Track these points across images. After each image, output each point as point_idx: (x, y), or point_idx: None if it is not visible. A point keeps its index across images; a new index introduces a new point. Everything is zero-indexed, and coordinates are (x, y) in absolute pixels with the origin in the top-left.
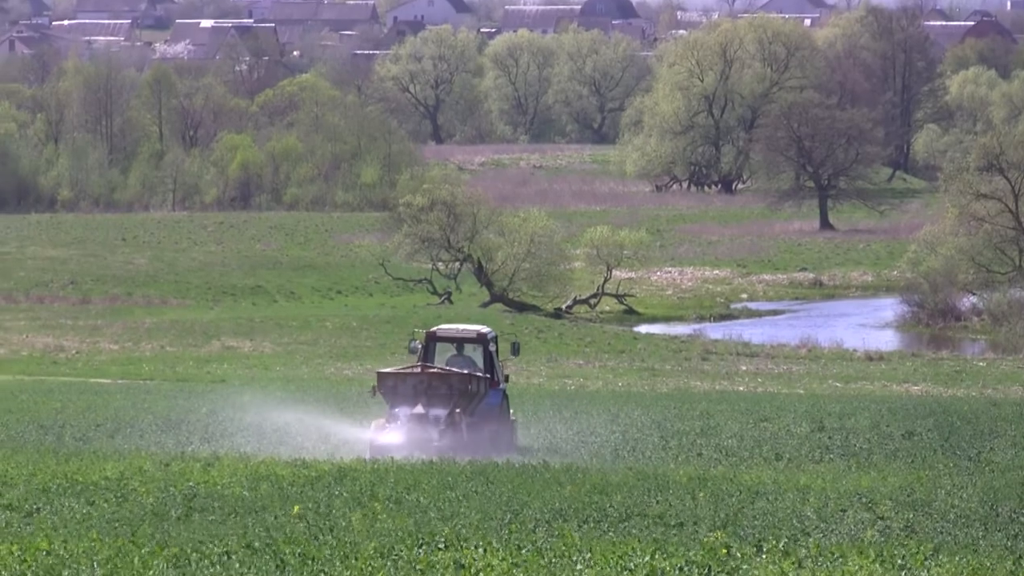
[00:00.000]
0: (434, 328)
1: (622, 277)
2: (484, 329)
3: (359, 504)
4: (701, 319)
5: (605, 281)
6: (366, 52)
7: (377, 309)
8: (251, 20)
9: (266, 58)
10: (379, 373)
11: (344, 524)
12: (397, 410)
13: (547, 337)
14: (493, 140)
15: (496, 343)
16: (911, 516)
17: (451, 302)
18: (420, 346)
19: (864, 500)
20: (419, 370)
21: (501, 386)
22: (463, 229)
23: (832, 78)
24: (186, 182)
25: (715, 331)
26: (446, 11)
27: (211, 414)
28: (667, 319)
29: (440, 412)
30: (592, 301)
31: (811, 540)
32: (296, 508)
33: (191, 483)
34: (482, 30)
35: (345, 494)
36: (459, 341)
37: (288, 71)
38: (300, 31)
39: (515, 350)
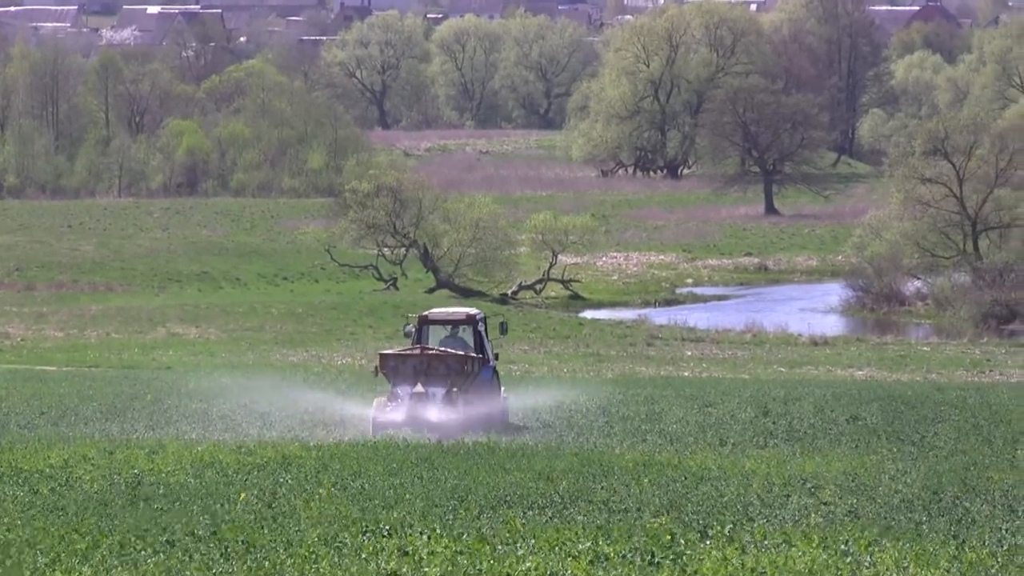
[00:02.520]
0: (426, 312)
1: (568, 262)
2: (473, 311)
3: (304, 491)
4: (646, 304)
5: (551, 266)
6: (313, 38)
7: (323, 295)
8: (198, 6)
9: (213, 44)
10: (381, 355)
11: (288, 511)
12: (398, 389)
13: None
14: (439, 126)
15: (485, 323)
16: (855, 501)
17: (397, 288)
18: (414, 329)
19: (808, 485)
20: (418, 351)
21: (491, 364)
22: (409, 215)
23: (778, 63)
24: (132, 168)
25: (660, 316)
26: None
27: (156, 401)
28: (613, 304)
29: (439, 390)
30: (538, 286)
31: (755, 525)
32: (243, 495)
33: (136, 470)
34: (429, 15)
35: (290, 481)
36: (451, 323)
37: (235, 57)
38: (247, 17)
39: (503, 329)
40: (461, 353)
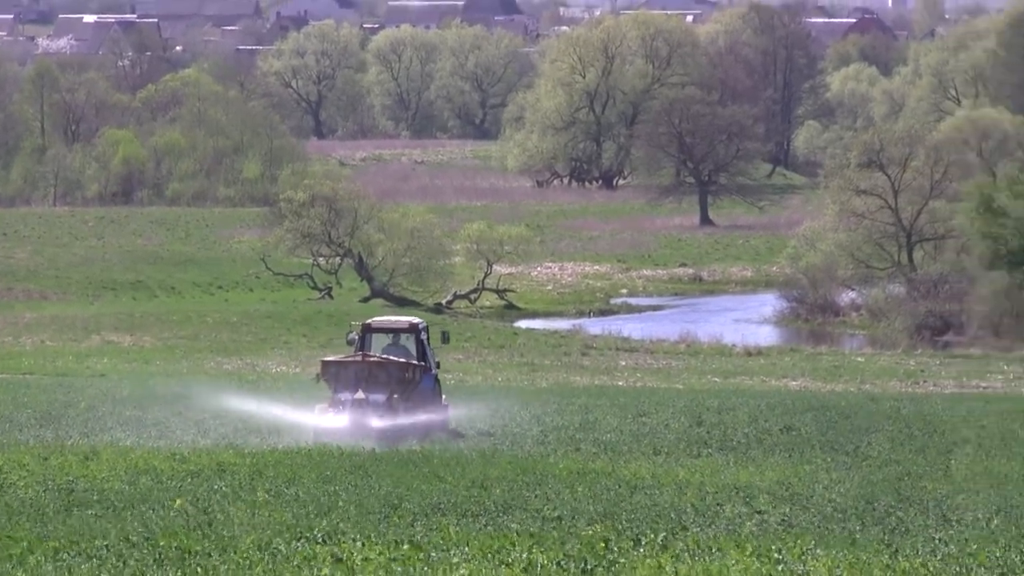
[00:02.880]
0: (369, 320)
1: (502, 272)
2: (416, 320)
3: (238, 498)
4: (581, 314)
5: (485, 276)
6: (249, 47)
7: (258, 304)
8: (134, 15)
9: (149, 53)
10: (323, 361)
11: (223, 518)
12: (340, 395)
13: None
14: (375, 135)
15: (428, 332)
16: (789, 510)
17: (331, 297)
18: (357, 337)
19: (742, 494)
20: (359, 358)
21: (433, 372)
22: (344, 224)
23: (714, 74)
24: (68, 177)
25: (595, 326)
26: (329, 7)
27: (90, 408)
28: (547, 314)
29: (380, 397)
30: (472, 296)
31: (689, 534)
32: (178, 501)
33: (70, 477)
34: (365, 26)
35: (224, 488)
36: (394, 331)
37: (171, 66)
38: (183, 26)
39: (445, 339)
40: (402, 360)
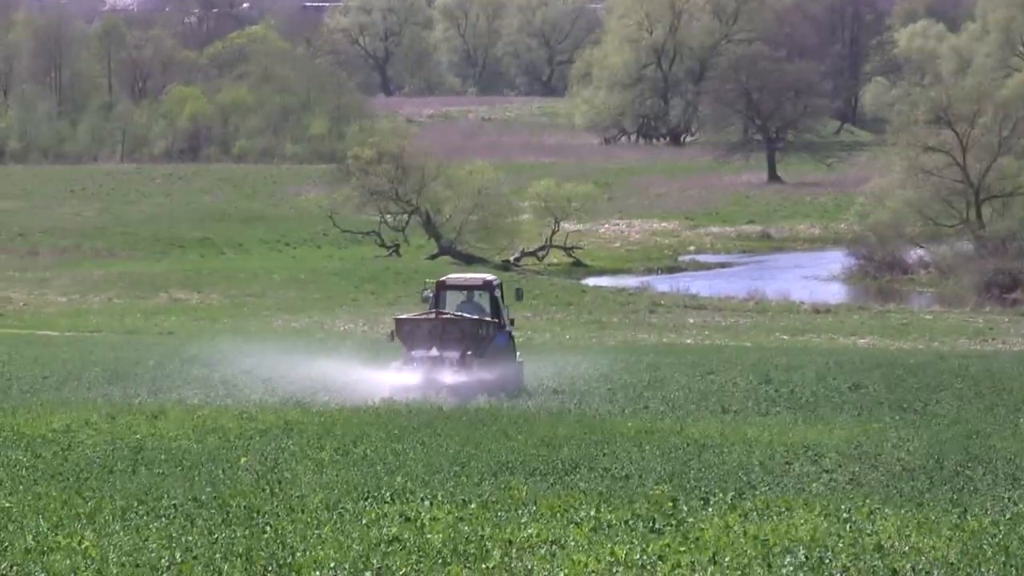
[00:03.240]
0: (443, 277)
1: (570, 229)
2: (490, 277)
3: (306, 456)
4: (649, 272)
5: (553, 233)
6: (316, 4)
7: (325, 261)
8: None
9: (215, 10)
10: (397, 319)
11: (291, 477)
12: (414, 352)
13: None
14: (442, 92)
15: (502, 290)
16: (857, 469)
17: (399, 254)
18: (432, 294)
19: (810, 453)
20: (433, 316)
21: (507, 329)
22: (411, 182)
23: (781, 31)
24: (135, 134)
25: (663, 284)
26: None
27: (158, 366)
28: (615, 272)
29: (453, 354)
30: (540, 253)
31: (757, 493)
32: (243, 458)
33: (138, 435)
34: None
35: (292, 446)
36: (467, 289)
37: (238, 23)
38: None
39: (519, 295)
40: (475, 317)
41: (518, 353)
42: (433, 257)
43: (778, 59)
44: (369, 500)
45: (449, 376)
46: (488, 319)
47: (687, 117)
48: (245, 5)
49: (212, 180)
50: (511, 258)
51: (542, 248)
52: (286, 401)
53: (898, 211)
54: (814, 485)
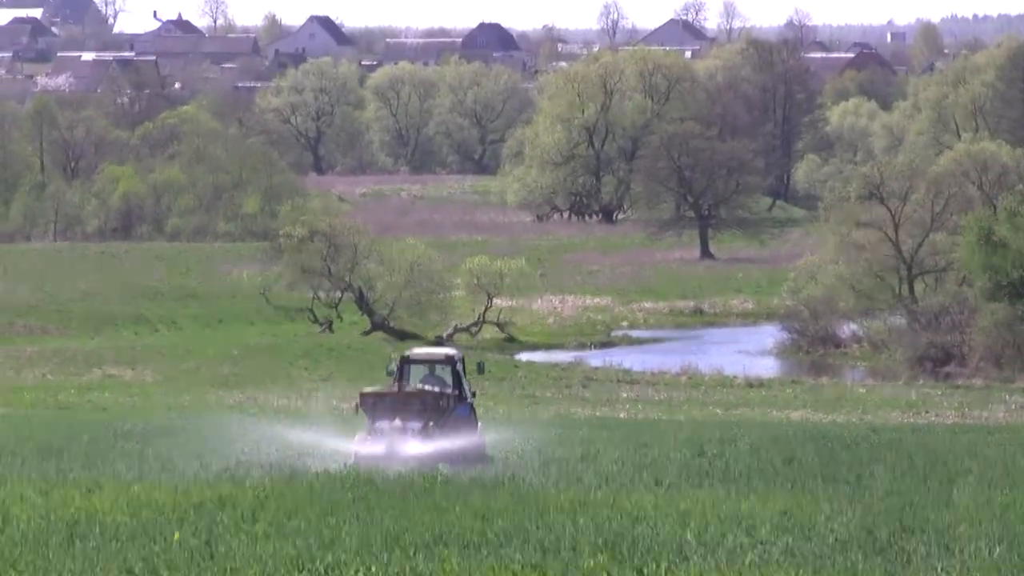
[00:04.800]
0: (407, 352)
1: (503, 305)
2: (452, 351)
3: (240, 530)
4: (582, 347)
5: (486, 309)
6: (248, 84)
7: (258, 338)
8: (133, 53)
9: (147, 91)
10: (361, 393)
11: (225, 551)
12: (377, 424)
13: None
14: (374, 171)
15: (463, 363)
16: (791, 541)
17: (332, 330)
18: (396, 368)
19: (744, 525)
20: (396, 389)
21: (469, 401)
22: (344, 259)
23: (713, 109)
24: (68, 213)
25: (596, 358)
26: (327, 44)
27: (92, 442)
28: (548, 347)
29: (415, 425)
30: (473, 329)
31: (691, 564)
32: (177, 535)
33: (72, 510)
34: (363, 63)
35: (227, 520)
36: (430, 363)
37: (169, 103)
38: (181, 64)
39: (480, 369)
40: (437, 390)
41: (479, 424)
42: (366, 333)
43: (710, 137)
44: (304, 573)
45: (412, 446)
46: (449, 392)
47: (619, 194)
48: (177, 86)
49: (145, 258)
50: (444, 334)
51: (475, 324)
52: (220, 476)
53: (831, 286)
54: (748, 556)
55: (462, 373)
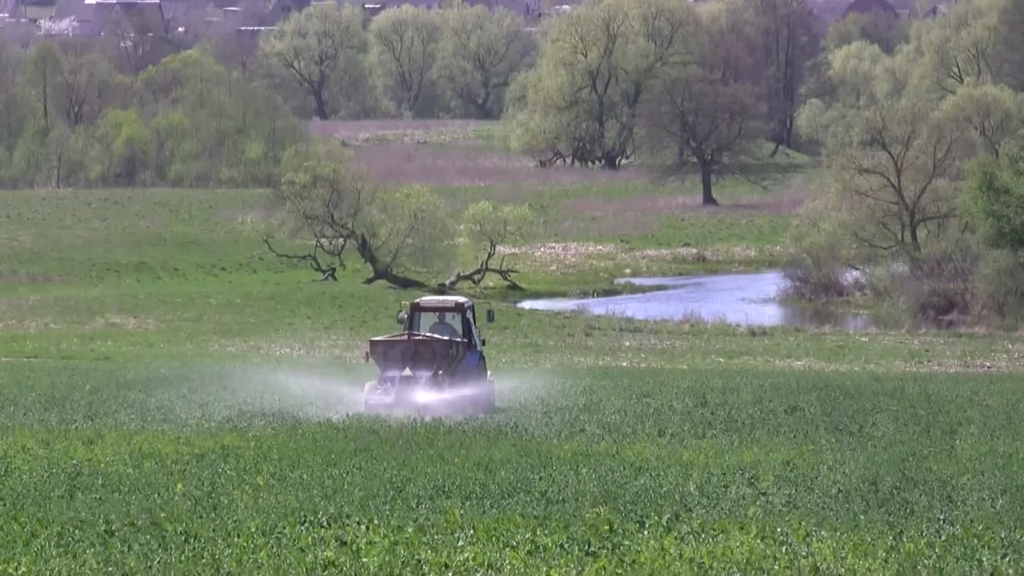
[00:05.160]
0: (418, 300)
1: (506, 253)
2: (462, 299)
3: (243, 481)
4: (585, 295)
5: (489, 257)
6: (251, 28)
7: (261, 286)
8: None
9: (151, 34)
10: (371, 341)
11: (227, 502)
12: (387, 373)
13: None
14: (377, 116)
15: (473, 312)
16: (793, 491)
17: (335, 278)
18: (406, 316)
19: (746, 475)
20: (406, 337)
21: (478, 349)
22: (346, 206)
23: (716, 53)
24: (71, 159)
25: (599, 307)
26: None
27: (95, 392)
28: (551, 295)
29: (425, 373)
30: (476, 277)
31: (693, 516)
32: (179, 485)
33: (74, 461)
34: (367, 6)
35: (229, 471)
36: (440, 311)
37: (173, 47)
38: (185, 7)
39: (490, 317)
40: (446, 338)
41: (489, 373)
42: (369, 281)
43: (713, 81)
44: (306, 525)
45: (421, 395)
46: (458, 340)
47: (622, 140)
48: (180, 29)
49: (148, 205)
50: (447, 282)
51: (478, 271)
52: (223, 426)
53: (833, 233)
54: (751, 507)
55: (472, 321)
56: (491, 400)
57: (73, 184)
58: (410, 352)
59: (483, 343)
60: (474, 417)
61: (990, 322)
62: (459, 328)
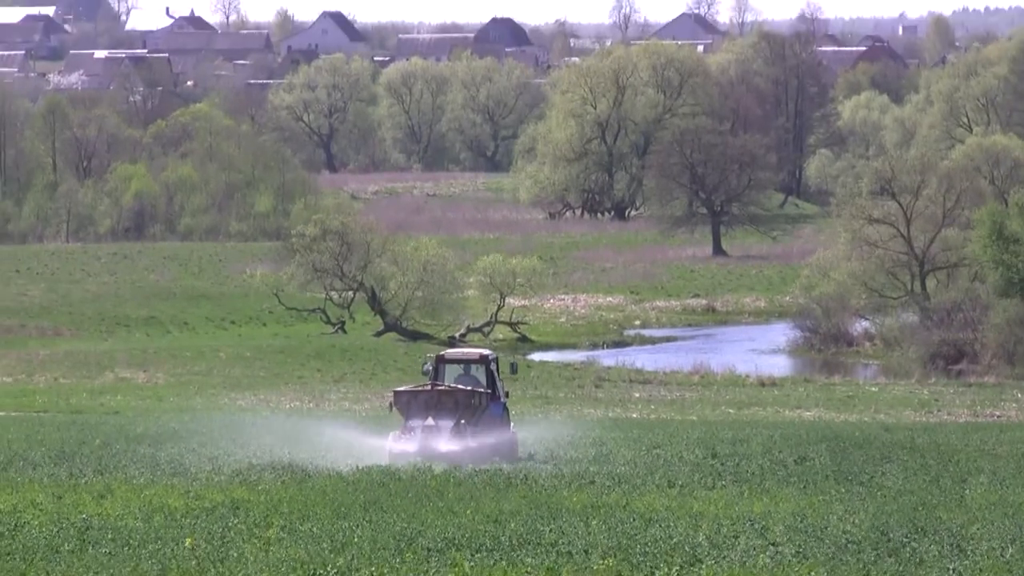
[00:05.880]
0: (443, 352)
1: (515, 304)
2: (486, 351)
3: (252, 535)
4: (594, 346)
5: (498, 309)
6: (260, 81)
7: (271, 339)
8: (145, 50)
9: (160, 88)
10: (395, 392)
11: (237, 555)
12: (411, 422)
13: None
14: (387, 168)
15: (497, 364)
16: (803, 542)
17: (344, 331)
18: (431, 367)
19: (756, 526)
20: (428, 388)
21: (502, 400)
22: (356, 258)
23: (725, 104)
24: (80, 213)
25: (608, 358)
26: (340, 40)
27: (104, 446)
28: (560, 346)
29: (448, 423)
30: (485, 329)
31: (703, 566)
32: (189, 540)
33: (84, 515)
34: (376, 59)
35: (239, 525)
36: (465, 362)
37: (182, 101)
38: (194, 61)
39: (514, 369)
40: (468, 388)
41: (512, 424)
42: (379, 334)
43: (722, 132)
44: None
45: (444, 444)
46: (481, 390)
47: (632, 191)
48: (189, 83)
49: (157, 258)
50: (457, 334)
51: (488, 324)
52: (232, 479)
53: (843, 283)
54: (761, 558)
55: (496, 373)
56: (514, 450)
57: (83, 238)
58: (433, 402)
59: (507, 395)
60: (492, 467)
61: (1000, 371)
62: (483, 379)
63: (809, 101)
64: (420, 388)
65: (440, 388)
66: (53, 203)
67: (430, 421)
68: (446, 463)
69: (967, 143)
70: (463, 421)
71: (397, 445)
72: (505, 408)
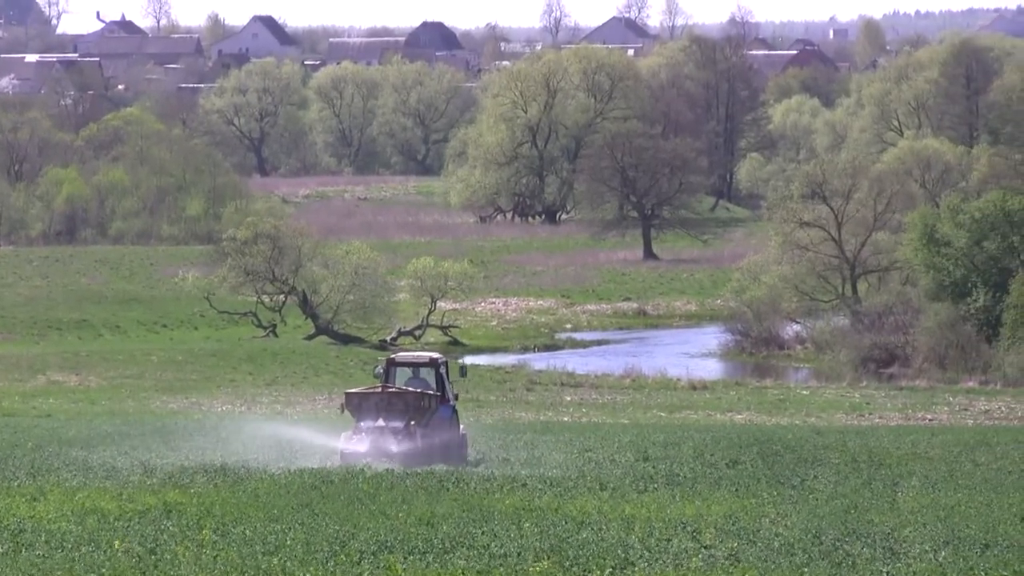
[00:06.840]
0: (393, 355)
1: (447, 308)
2: (436, 355)
3: (185, 537)
4: (525, 349)
5: (429, 312)
6: (191, 86)
7: (202, 342)
8: (76, 54)
9: (91, 92)
10: (347, 393)
11: (170, 558)
12: (362, 423)
13: (372, 369)
14: (318, 172)
15: (447, 367)
16: (735, 544)
17: (276, 335)
18: (383, 370)
19: (689, 529)
20: (379, 390)
21: (451, 403)
22: (287, 262)
23: (656, 108)
24: (11, 216)
25: (540, 361)
26: (270, 44)
27: (37, 449)
28: (492, 350)
29: (398, 424)
30: (417, 332)
31: (636, 569)
32: (118, 543)
33: (17, 518)
34: (307, 63)
35: (172, 528)
36: (415, 365)
37: (113, 105)
38: (125, 65)
39: (463, 372)
40: (419, 391)
41: (462, 426)
42: (310, 337)
43: (653, 136)
44: None
45: (394, 445)
46: (431, 392)
47: (563, 195)
48: (120, 87)
49: (89, 262)
50: (388, 337)
51: (419, 327)
52: (165, 482)
53: (774, 287)
54: (693, 561)
55: (445, 376)
56: (464, 451)
57: (14, 242)
58: (384, 404)
59: (456, 397)
60: (424, 470)
61: (931, 375)
62: (433, 382)
63: (740, 105)
64: (371, 390)
65: (391, 390)
66: None
67: (381, 422)
68: (396, 464)
69: (898, 147)
70: (413, 423)
71: (348, 446)
72: (455, 410)
